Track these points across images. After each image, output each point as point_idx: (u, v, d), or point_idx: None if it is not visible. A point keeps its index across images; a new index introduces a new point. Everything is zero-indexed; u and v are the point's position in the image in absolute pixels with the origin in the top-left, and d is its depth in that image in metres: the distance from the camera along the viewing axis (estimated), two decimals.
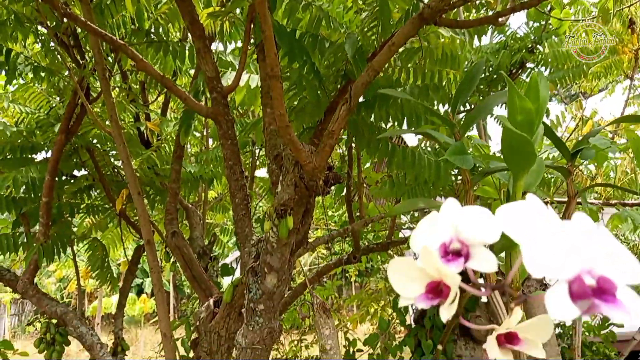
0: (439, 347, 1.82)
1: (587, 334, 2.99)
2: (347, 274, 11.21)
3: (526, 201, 0.33)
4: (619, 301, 0.26)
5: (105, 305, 6.65)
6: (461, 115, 2.10)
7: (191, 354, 2.03)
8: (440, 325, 2.92)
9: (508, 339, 0.41)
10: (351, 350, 2.65)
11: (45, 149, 2.16)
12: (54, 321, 1.92)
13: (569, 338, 2.83)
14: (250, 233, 1.46)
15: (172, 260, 2.00)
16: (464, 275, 0.43)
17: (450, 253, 0.39)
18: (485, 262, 0.36)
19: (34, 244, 1.79)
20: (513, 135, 0.64)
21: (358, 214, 2.34)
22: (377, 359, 2.60)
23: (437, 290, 0.36)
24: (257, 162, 2.95)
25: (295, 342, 3.00)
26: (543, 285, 1.10)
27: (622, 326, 2.57)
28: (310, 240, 2.40)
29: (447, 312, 0.35)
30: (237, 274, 1.78)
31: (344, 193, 2.44)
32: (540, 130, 0.71)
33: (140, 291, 14.13)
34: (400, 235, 2.77)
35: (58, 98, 2.12)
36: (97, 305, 5.92)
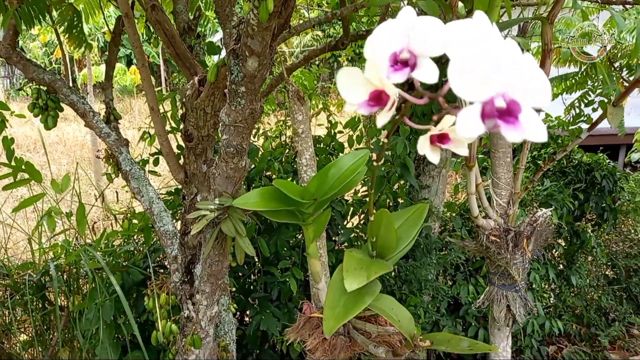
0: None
1: (557, 128, 3.13)
2: (338, 59, 11.11)
3: (472, 19, 0.34)
4: (519, 123, 0.30)
5: (95, 74, 6.67)
6: None
7: (181, 127, 2.15)
8: (420, 114, 3.07)
9: (439, 139, 0.46)
10: (332, 131, 2.80)
11: None
12: (45, 88, 1.97)
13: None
14: (230, 13, 1.40)
15: (154, 35, 1.95)
16: (410, 84, 0.46)
17: (400, 62, 0.41)
18: (429, 73, 0.39)
19: (9, 8, 1.70)
20: None
21: None
22: (356, 140, 2.76)
23: (378, 98, 0.39)
24: None
25: (281, 122, 3.16)
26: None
27: (591, 121, 2.71)
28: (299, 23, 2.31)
29: (383, 119, 0.39)
30: (224, 53, 1.76)
31: None
32: None
33: (129, 62, 14.03)
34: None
35: None
36: (87, 74, 5.95)
